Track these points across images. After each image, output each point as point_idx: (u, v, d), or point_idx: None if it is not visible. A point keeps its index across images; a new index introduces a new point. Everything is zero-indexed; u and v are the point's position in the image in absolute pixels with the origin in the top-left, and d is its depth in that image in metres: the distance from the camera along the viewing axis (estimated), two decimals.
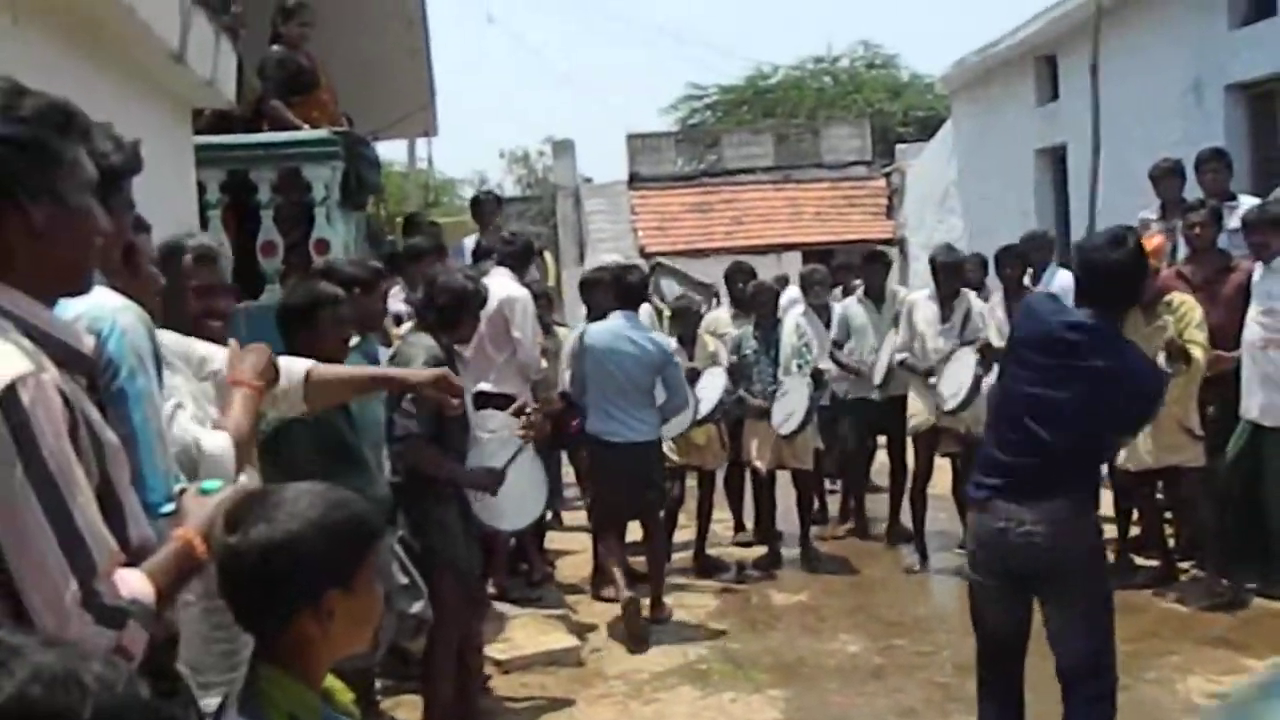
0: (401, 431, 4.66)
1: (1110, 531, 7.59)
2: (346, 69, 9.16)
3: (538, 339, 7.06)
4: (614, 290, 6.94)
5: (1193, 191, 7.63)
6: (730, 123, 29.87)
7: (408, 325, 6.10)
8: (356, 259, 6.06)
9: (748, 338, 8.03)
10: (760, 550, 8.19)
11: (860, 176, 23.29)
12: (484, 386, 6.40)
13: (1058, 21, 11.75)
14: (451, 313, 4.95)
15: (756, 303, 8.05)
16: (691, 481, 8.26)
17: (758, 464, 7.98)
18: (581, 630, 6.59)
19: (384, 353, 5.32)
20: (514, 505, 5.05)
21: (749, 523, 8.61)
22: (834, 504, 9.03)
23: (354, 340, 5.03)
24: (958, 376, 7.35)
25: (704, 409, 7.41)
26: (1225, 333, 6.59)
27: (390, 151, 26.13)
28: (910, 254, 16.69)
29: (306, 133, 6.69)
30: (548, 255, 11.08)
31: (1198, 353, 6.51)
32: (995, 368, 7.48)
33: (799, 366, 7.79)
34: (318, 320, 4.11)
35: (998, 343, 7.86)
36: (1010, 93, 13.49)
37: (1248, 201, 7.24)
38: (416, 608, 4.33)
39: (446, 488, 4.83)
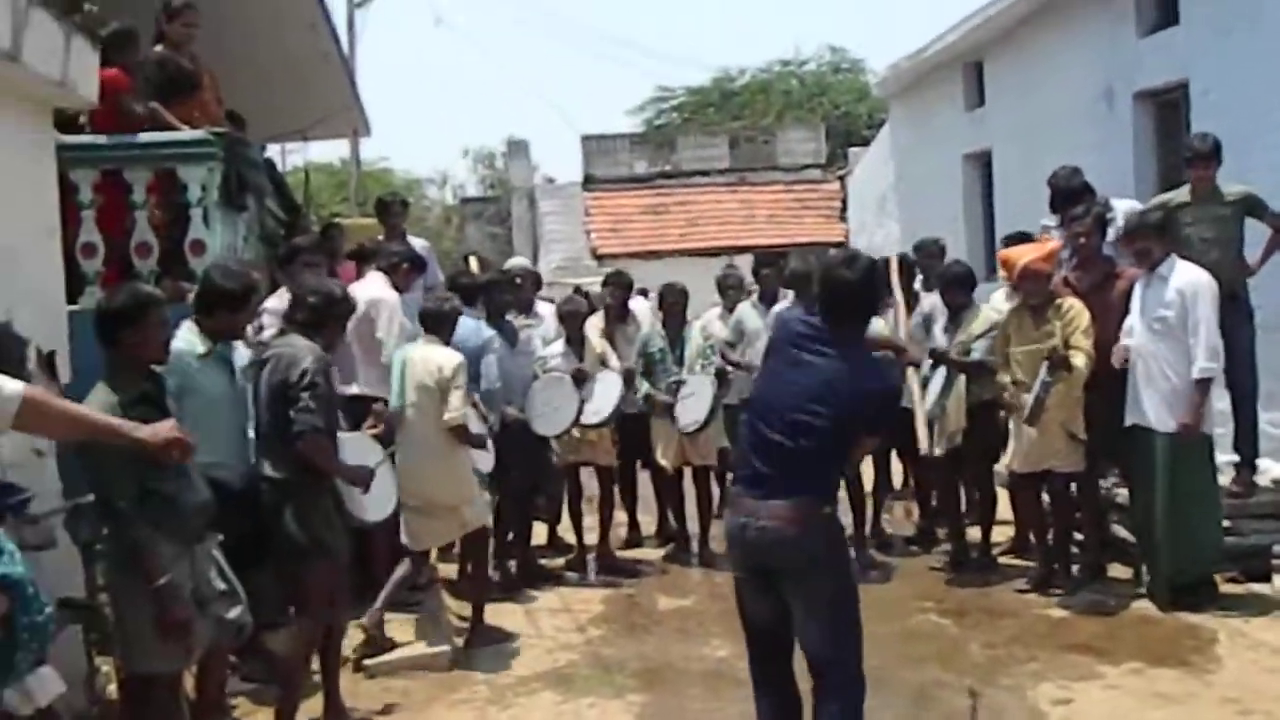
0: (305, 427, 4.80)
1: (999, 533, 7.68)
2: (256, 73, 9.14)
3: None
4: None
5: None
6: (695, 125, 29.91)
7: (270, 329, 6.06)
8: (238, 263, 5.97)
9: (655, 336, 8.06)
10: (660, 551, 8.34)
11: (814, 180, 23.36)
12: (354, 389, 6.44)
13: (981, 28, 11.76)
14: (317, 316, 5.06)
15: (665, 303, 8.09)
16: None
17: (663, 461, 8.01)
18: (460, 633, 6.57)
19: (242, 354, 5.28)
20: (376, 500, 5.32)
21: (642, 520, 8.69)
22: None
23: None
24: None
25: (600, 413, 7.44)
26: (1111, 339, 6.60)
27: (329, 151, 26.30)
28: None
29: (182, 133, 6.63)
30: (473, 260, 11.03)
31: (1081, 360, 6.54)
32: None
33: (702, 366, 7.85)
34: (140, 323, 4.10)
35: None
36: (941, 98, 13.51)
37: (1121, 206, 7.19)
38: (235, 613, 4.29)
39: (327, 481, 5.00)
